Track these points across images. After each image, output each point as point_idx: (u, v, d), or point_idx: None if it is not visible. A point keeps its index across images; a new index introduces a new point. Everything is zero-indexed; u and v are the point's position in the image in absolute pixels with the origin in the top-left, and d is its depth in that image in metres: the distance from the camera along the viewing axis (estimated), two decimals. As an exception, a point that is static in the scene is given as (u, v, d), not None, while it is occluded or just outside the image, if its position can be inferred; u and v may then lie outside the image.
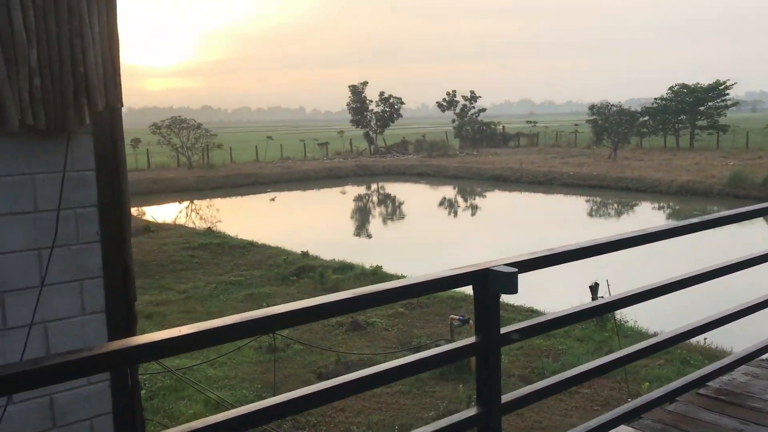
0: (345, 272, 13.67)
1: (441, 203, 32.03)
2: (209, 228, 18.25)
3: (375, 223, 27.25)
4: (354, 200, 34.65)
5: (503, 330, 2.52)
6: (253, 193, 35.93)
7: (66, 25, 2.99)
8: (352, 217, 29.34)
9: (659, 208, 27.27)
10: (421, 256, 19.30)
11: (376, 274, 13.49)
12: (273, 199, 34.51)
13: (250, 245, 16.40)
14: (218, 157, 45.09)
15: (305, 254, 15.29)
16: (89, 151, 3.16)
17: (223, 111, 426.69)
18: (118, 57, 3.20)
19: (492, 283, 2.39)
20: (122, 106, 3.24)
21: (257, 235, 23.06)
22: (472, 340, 2.48)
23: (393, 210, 31.51)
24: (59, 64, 2.99)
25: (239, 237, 18.30)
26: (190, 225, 23.50)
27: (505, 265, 2.45)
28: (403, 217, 29.05)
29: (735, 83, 49.76)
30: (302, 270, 13.75)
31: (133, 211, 27.15)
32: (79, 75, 3.03)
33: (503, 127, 61.46)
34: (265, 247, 16.31)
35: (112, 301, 3.39)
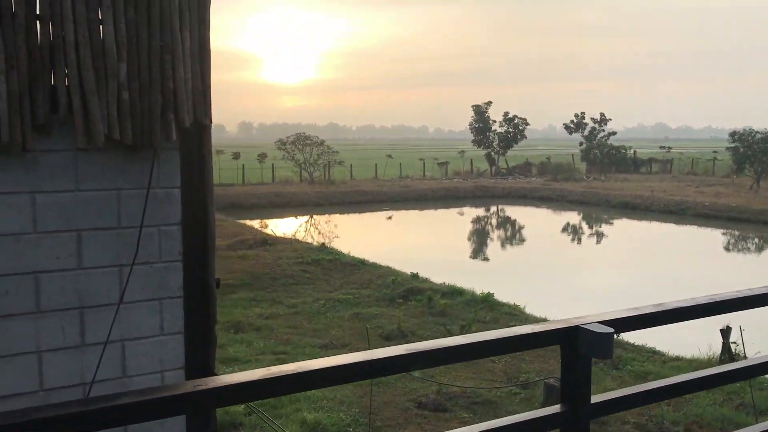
0: (454, 297, 13.30)
1: (563, 229, 30.86)
2: (323, 244, 18.48)
3: (493, 246, 26.65)
4: (472, 222, 34.14)
5: (596, 399, 2.11)
6: (371, 211, 36.31)
7: (157, 39, 2.92)
8: (469, 239, 28.88)
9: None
10: (537, 284, 18.57)
11: (487, 301, 13.01)
12: (390, 217, 34.68)
13: (361, 263, 16.38)
14: (339, 173, 46.04)
15: (415, 276, 15.05)
16: (176, 168, 3.08)
17: (347, 128, 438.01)
18: (209, 72, 3.10)
19: (582, 343, 2.00)
20: (211, 122, 3.14)
21: (372, 251, 23.18)
22: (557, 408, 2.10)
23: (512, 234, 30.72)
24: (148, 79, 2.92)
25: (352, 254, 18.38)
26: (308, 240, 23.97)
27: (599, 323, 2.04)
28: (522, 242, 28.24)
29: None
30: (410, 292, 13.52)
31: (255, 223, 28.22)
32: (167, 90, 2.96)
33: (634, 151, 58.68)
34: (375, 266, 16.23)
35: (192, 321, 3.29)
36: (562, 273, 20.75)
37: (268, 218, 32.63)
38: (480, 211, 37.59)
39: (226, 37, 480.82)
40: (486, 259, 24.46)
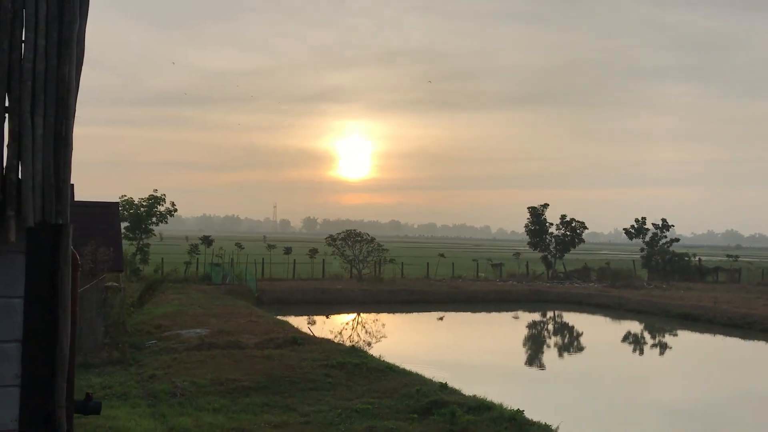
0: (480, 413, 12.21)
1: (620, 339, 29.13)
2: (353, 346, 17.71)
3: (550, 355, 25.24)
4: (527, 327, 32.75)
5: None
6: (420, 311, 35.37)
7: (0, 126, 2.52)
8: (524, 345, 27.56)
9: None
10: (586, 399, 17.16)
11: (515, 420, 11.88)
12: (441, 318, 33.67)
13: (389, 369, 15.48)
14: (390, 271, 45.51)
15: (443, 386, 14.03)
16: (19, 274, 2.60)
17: (409, 226, 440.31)
18: (68, 166, 2.65)
19: None
20: (67, 222, 2.66)
21: (412, 354, 22.24)
22: None
23: (566, 342, 29.14)
24: (-14, 170, 2.51)
25: (386, 358, 17.54)
26: (348, 339, 23.22)
27: None
28: (578, 351, 26.70)
29: None
30: (434, 405, 12.52)
31: (298, 320, 27.70)
32: (10, 183, 2.53)
33: (699, 259, 56.24)
34: (403, 373, 15.30)
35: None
36: (613, 387, 19.21)
37: (312, 314, 32.12)
38: (535, 316, 36.16)
39: (302, 137, 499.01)
40: (542, 366, 23.24)
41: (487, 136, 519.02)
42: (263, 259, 42.97)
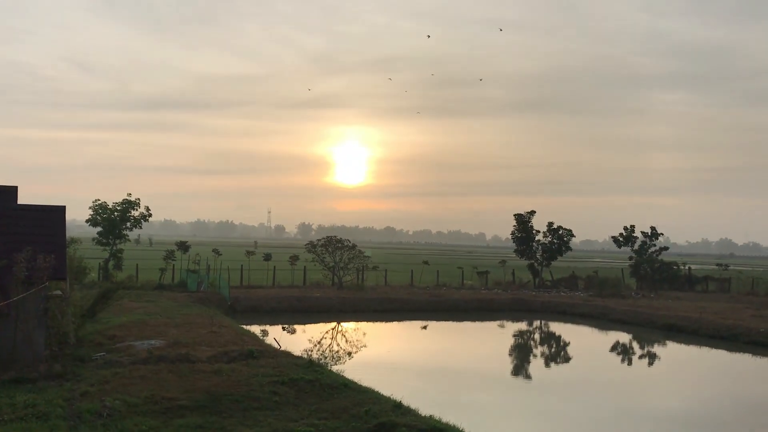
0: (431, 437, 11.28)
1: (601, 350, 28.22)
2: (311, 360, 16.72)
3: (535, 364, 24.33)
4: (511, 336, 31.85)
5: None
6: (402, 320, 34.43)
7: None
8: (509, 355, 26.72)
9: None
10: (569, 412, 16.21)
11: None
12: (425, 327, 32.75)
13: (344, 386, 14.51)
14: (373, 278, 44.57)
15: (398, 406, 13.09)
16: None
17: (404, 233, 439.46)
18: None
19: None
20: None
21: (383, 365, 21.30)
22: None
23: (551, 353, 28.20)
24: None
25: (344, 374, 16.60)
26: (309, 350, 22.24)
27: None
28: (565, 361, 25.76)
29: None
30: (381, 427, 11.57)
31: (256, 330, 26.72)
32: None
33: (689, 268, 55.46)
34: (358, 390, 14.34)
35: None
36: (594, 399, 18.29)
37: (289, 323, 31.15)
38: (519, 326, 35.31)
39: (297, 143, 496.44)
40: (528, 377, 22.43)
41: (481, 143, 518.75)
42: (242, 265, 41.97)
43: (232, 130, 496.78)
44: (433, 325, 33.53)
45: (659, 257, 51.73)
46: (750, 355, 26.06)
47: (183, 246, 42.04)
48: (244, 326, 25.37)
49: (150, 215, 38.27)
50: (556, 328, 34.86)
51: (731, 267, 66.40)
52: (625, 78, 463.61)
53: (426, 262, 51.57)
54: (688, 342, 29.10)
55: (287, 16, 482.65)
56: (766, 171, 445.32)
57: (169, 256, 39.80)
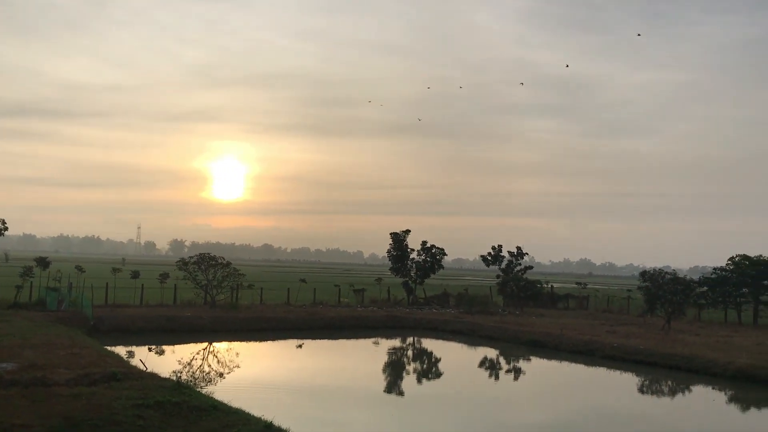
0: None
1: (470, 365, 29.21)
2: (179, 382, 16.15)
3: (407, 381, 24.65)
4: (386, 353, 32.20)
5: None
6: (277, 339, 33.98)
7: None
8: (383, 371, 26.92)
9: (711, 397, 23.74)
10: (439, 426, 16.60)
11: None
12: (300, 346, 32.44)
13: (213, 408, 14.13)
14: (248, 297, 43.75)
15: (268, 426, 12.93)
16: None
17: (282, 250, 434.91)
18: None
19: None
20: None
21: (257, 385, 20.89)
22: None
23: (424, 369, 28.82)
24: None
25: (214, 395, 16.19)
26: (179, 371, 21.46)
27: None
28: (437, 376, 26.36)
29: (803, 258, 46.28)
30: (250, 449, 11.38)
31: (122, 351, 25.52)
32: None
33: (551, 286, 58.74)
34: (228, 412, 14.01)
35: None
36: (461, 412, 18.84)
37: (159, 344, 29.92)
38: (393, 342, 35.88)
39: (171, 157, 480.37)
40: (400, 393, 22.74)
41: (361, 163, 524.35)
42: (107, 283, 39.91)
43: (101, 141, 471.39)
44: (308, 343, 33.36)
45: (524, 276, 54.38)
46: (605, 369, 27.89)
47: (43, 262, 39.40)
48: (108, 347, 24.13)
49: (6, 228, 35.59)
50: (429, 344, 35.75)
51: (589, 285, 70.92)
52: (496, 106, 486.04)
53: (303, 280, 51.32)
54: (550, 357, 30.74)
55: (166, 27, 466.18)
56: (620, 197, 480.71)
57: (27, 272, 37.18)
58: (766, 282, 45.81)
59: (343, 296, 49.45)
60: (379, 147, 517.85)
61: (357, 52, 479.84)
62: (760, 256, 46.74)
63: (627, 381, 25.99)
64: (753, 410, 21.89)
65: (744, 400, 22.72)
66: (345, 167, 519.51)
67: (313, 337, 34.83)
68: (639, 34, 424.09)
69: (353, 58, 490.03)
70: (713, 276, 47.88)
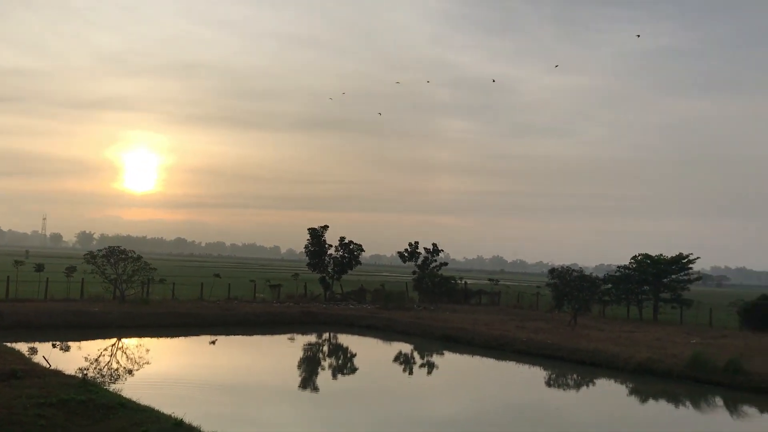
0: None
1: (383, 361, 29.50)
2: (84, 379, 15.60)
3: (322, 376, 24.58)
4: (300, 349, 32.02)
5: None
6: (188, 335, 33.18)
7: None
8: (298, 368, 26.69)
9: (611, 390, 24.94)
10: (352, 421, 16.65)
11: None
12: (213, 342, 31.79)
13: (121, 405, 13.74)
14: (160, 291, 42.59)
15: (178, 424, 12.68)
16: None
17: (196, 245, 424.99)
18: None
19: None
20: None
21: (166, 383, 20.36)
22: None
23: (338, 364, 28.86)
24: None
25: (122, 393, 15.73)
26: (85, 368, 20.70)
27: None
28: (351, 371, 26.43)
29: (698, 257, 49.25)
30: (159, 448, 11.13)
31: (23, 348, 24.37)
32: None
33: (465, 282, 60.04)
34: (136, 410, 13.65)
35: None
36: (379, 407, 19.01)
37: (64, 341, 28.67)
38: (309, 338, 35.72)
39: (80, 146, 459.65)
40: (315, 389, 22.59)
41: (278, 158, 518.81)
42: (8, 276, 37.93)
43: (3, 128, 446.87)
44: (222, 339, 32.80)
45: (439, 272, 55.36)
46: (514, 363, 28.79)
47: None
48: (9, 344, 22.95)
49: None
50: (344, 339, 35.86)
51: (501, 282, 72.91)
52: (416, 104, 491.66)
53: (217, 275, 50.39)
54: (462, 351, 31.45)
55: (78, 11, 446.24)
56: (532, 197, 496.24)
57: None
58: (665, 280, 48.42)
59: (259, 292, 48.89)
60: (298, 141, 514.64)
61: (277, 44, 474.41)
62: (661, 255, 49.40)
63: (535, 374, 26.91)
64: (651, 402, 23.11)
65: (643, 392, 23.96)
66: (263, 161, 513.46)
67: (227, 333, 34.28)
68: (638, 35, 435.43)
69: (273, 50, 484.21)
70: (617, 274, 50.26)
